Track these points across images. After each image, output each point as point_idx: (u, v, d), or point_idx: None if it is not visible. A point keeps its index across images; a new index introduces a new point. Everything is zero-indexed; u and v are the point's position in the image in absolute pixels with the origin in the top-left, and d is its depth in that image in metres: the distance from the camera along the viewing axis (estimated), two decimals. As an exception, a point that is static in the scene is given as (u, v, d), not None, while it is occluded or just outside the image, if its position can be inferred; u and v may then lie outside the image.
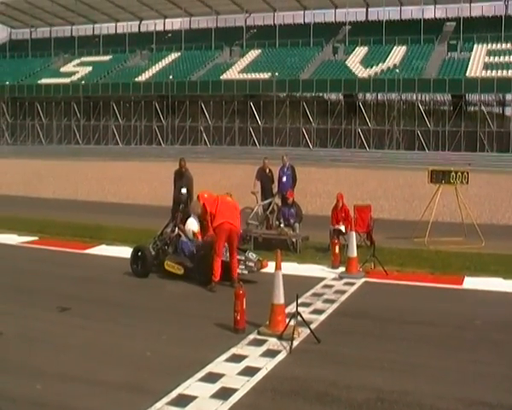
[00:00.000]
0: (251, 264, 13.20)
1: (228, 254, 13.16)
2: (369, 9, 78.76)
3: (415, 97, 64.98)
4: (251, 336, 9.54)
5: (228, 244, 13.04)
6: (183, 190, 16.86)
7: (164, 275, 13.65)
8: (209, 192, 13.90)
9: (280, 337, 9.34)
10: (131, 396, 7.45)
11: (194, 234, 14.00)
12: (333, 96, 69.38)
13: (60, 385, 7.77)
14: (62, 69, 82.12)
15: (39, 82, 79.42)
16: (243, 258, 13.26)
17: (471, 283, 13.29)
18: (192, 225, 14.11)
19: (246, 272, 13.20)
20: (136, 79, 75.16)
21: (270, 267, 12.78)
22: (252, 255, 13.43)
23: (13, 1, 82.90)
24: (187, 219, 14.37)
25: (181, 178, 17.07)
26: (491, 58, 63.19)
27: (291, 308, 9.83)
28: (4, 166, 51.40)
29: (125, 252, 16.06)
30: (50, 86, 77.54)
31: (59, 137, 78.33)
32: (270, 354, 8.87)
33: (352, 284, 13.19)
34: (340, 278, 13.68)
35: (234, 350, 8.94)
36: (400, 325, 10.53)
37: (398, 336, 9.91)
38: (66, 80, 78.18)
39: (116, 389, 7.69)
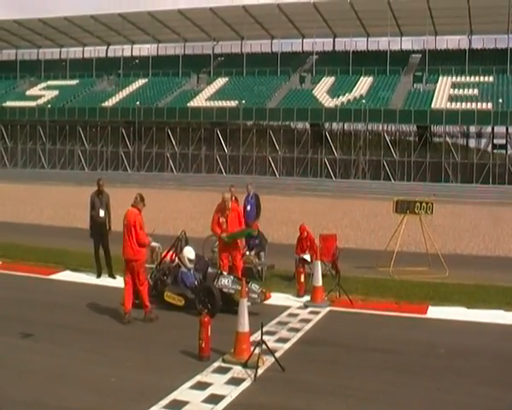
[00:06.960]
0: (254, 295, 12.79)
1: (231, 285, 13.01)
2: (336, 40, 79.66)
3: (381, 128, 65.71)
4: (216, 364, 9.51)
5: None
6: (102, 213, 16.64)
7: (161, 306, 13.24)
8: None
9: (245, 365, 9.34)
10: (95, 424, 7.39)
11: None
12: (299, 125, 69.78)
13: (22, 412, 7.66)
14: (28, 92, 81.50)
15: (4, 105, 78.71)
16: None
17: (435, 312, 13.44)
18: (189, 253, 13.80)
19: (249, 303, 12.84)
20: (103, 104, 74.87)
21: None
22: (255, 286, 13.08)
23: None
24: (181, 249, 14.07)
25: (100, 199, 16.81)
26: (456, 90, 64.11)
27: (256, 336, 9.83)
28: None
29: (90, 278, 16.03)
30: (15, 109, 76.98)
31: (24, 161, 77.59)
32: (235, 381, 8.85)
33: (317, 312, 13.24)
34: (305, 306, 13.73)
35: (199, 378, 8.91)
36: (365, 353, 10.58)
37: (362, 364, 9.96)
38: (32, 103, 77.58)
39: (79, 416, 7.61)
